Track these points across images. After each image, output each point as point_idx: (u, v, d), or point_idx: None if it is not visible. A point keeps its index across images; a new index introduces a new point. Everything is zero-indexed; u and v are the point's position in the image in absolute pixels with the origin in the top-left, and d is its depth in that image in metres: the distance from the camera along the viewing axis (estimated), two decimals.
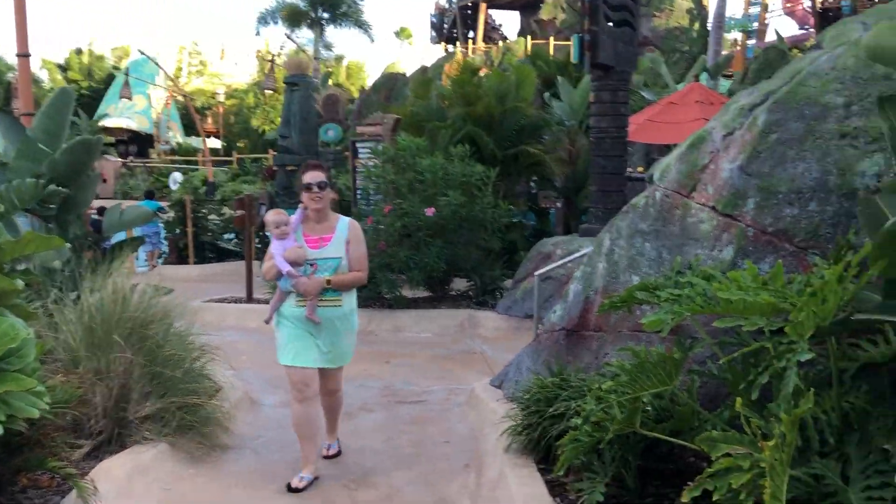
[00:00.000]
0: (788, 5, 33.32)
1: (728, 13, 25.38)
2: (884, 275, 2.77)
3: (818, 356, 2.83)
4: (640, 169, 14.96)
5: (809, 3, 29.93)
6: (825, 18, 26.96)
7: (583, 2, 9.39)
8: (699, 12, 31.02)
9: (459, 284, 10.39)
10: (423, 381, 6.81)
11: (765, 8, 32.55)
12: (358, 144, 13.00)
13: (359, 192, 12.41)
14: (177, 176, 24.96)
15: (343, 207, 12.83)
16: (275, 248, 4.34)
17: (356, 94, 31.53)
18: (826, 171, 3.78)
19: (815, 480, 2.60)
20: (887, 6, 4.09)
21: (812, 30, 29.24)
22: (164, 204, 16.78)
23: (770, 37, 28.79)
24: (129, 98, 30.46)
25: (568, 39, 26.87)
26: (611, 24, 9.23)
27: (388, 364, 7.49)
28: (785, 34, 28.32)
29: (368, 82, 39.91)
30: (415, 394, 6.41)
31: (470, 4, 36.94)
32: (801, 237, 3.81)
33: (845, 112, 3.80)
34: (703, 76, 18.19)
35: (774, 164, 3.92)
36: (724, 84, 18.52)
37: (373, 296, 9.37)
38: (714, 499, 2.52)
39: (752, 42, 29.88)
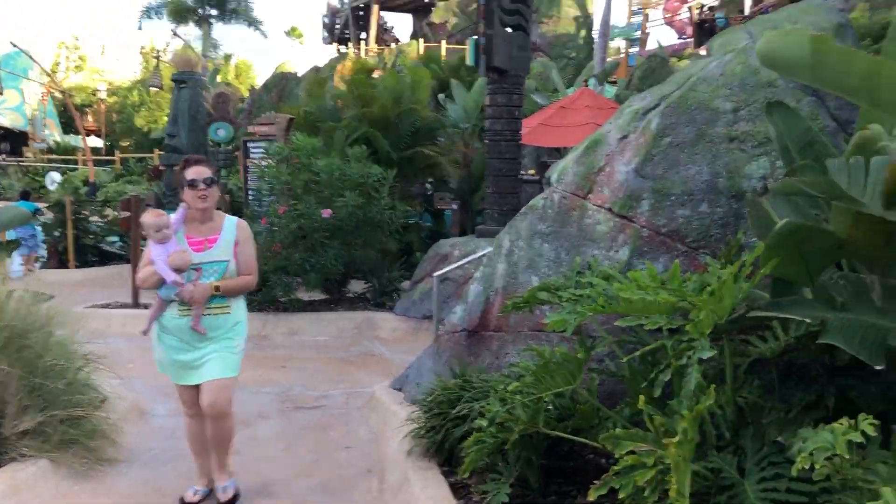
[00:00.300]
0: (668, 16, 34.83)
1: (612, 21, 26.29)
2: (773, 274, 2.90)
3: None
4: (531, 171, 15.23)
5: (687, 15, 31.42)
6: (702, 29, 28.40)
7: (479, 5, 9.48)
8: (585, 20, 32.03)
9: (357, 286, 10.28)
10: (321, 386, 6.68)
11: (646, 17, 33.89)
12: (250, 144, 12.66)
13: (251, 192, 12.09)
14: (54, 176, 23.59)
15: (235, 208, 12.48)
16: (155, 253, 3.91)
17: (246, 93, 30.75)
18: (716, 174, 3.94)
19: (712, 474, 2.68)
20: (769, 16, 4.30)
21: (690, 39, 30.70)
22: (41, 205, 15.79)
23: (651, 45, 30.03)
24: (0, 93, 28.59)
25: (460, 43, 27.14)
26: (505, 28, 9.35)
27: (285, 369, 7.31)
28: (665, 43, 29.61)
29: (258, 81, 39.03)
30: (313, 398, 6.27)
31: (362, 6, 36.72)
32: (693, 237, 3.95)
33: (734, 117, 3.97)
34: (592, 82, 18.74)
35: (668, 167, 4.05)
36: (610, 90, 19.14)
37: (267, 299, 9.12)
38: (620, 496, 2.56)
39: (634, 50, 31.03)
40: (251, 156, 12.42)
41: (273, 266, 8.98)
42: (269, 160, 10.22)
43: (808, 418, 2.71)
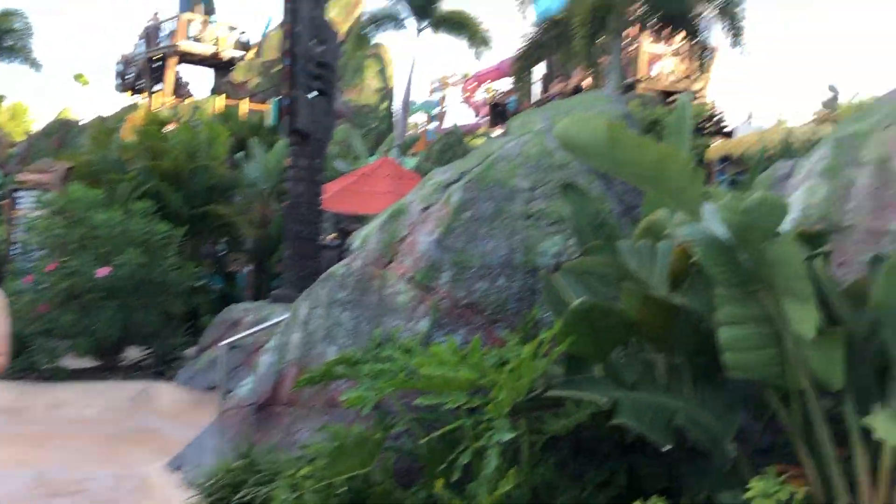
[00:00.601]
0: (466, 95, 36.74)
1: (413, 96, 27.24)
2: (568, 350, 2.93)
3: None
4: (332, 236, 15.10)
5: (483, 96, 33.33)
6: (496, 111, 30.22)
7: (283, 67, 9.35)
8: (387, 93, 32.96)
9: (134, 353, 9.43)
10: (85, 466, 5.92)
11: (444, 96, 35.50)
12: (20, 192, 11.48)
13: (17, 246, 10.89)
14: None
15: None
16: None
17: (21, 138, 28.16)
18: (513, 249, 4.01)
19: None
20: (563, 102, 4.55)
21: (485, 119, 32.53)
22: None
23: (449, 121, 31.43)
24: None
25: (262, 103, 26.74)
26: (310, 92, 9.28)
27: (43, 447, 6.44)
28: (462, 121, 31.12)
29: (35, 127, 35.93)
30: (74, 482, 5.53)
31: (159, 57, 35.25)
32: (491, 310, 3.97)
33: (530, 195, 4.09)
34: (394, 152, 19.13)
35: (468, 240, 4.07)
36: (410, 161, 19.63)
37: (26, 366, 8.09)
38: None
39: (433, 125, 32.30)
40: (20, 206, 11.26)
41: (36, 329, 8.03)
42: (42, 211, 9.28)
43: (602, 497, 2.73)
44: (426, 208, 4.29)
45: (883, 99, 4.05)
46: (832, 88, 19.78)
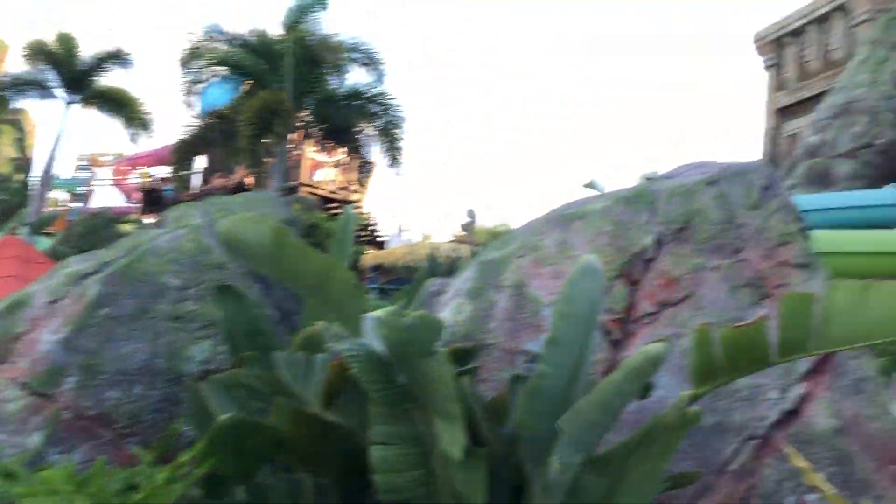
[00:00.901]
0: (118, 178, 34.46)
1: (57, 171, 24.79)
2: (210, 469, 2.65)
3: None
4: None
5: (137, 180, 31.51)
6: (150, 197, 28.68)
7: None
8: (25, 164, 29.68)
9: None
10: None
11: (94, 175, 32.95)
12: None
13: None
14: None
15: None
16: None
17: None
18: (156, 353, 3.62)
19: None
20: (226, 199, 4.35)
21: (138, 204, 30.64)
22: None
23: (96, 202, 29.10)
24: None
25: None
26: None
27: None
28: (113, 203, 29.01)
29: None
30: None
31: None
32: (123, 423, 3.51)
33: (180, 294, 3.76)
34: (24, 230, 17.00)
35: (103, 341, 3.60)
36: (44, 242, 17.58)
37: None
38: None
39: (78, 204, 29.71)
40: None
41: None
42: None
43: None
44: (54, 301, 3.72)
45: (519, 230, 4.50)
46: (470, 214, 22.22)
